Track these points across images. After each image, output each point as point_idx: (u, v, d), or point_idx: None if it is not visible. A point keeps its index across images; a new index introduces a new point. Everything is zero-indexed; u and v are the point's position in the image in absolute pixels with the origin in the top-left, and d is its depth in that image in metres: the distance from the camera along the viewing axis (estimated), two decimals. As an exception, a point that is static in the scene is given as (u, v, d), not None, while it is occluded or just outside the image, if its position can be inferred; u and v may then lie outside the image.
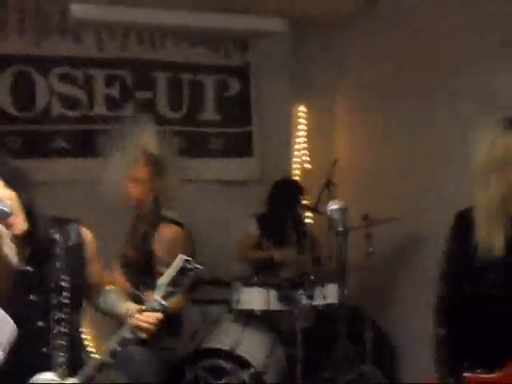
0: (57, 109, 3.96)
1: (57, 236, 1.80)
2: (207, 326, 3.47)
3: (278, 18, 3.82)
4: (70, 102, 3.98)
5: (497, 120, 1.84)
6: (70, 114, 3.99)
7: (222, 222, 4.17)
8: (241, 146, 4.38)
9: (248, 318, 3.35)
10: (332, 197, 3.75)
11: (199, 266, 1.77)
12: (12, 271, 1.67)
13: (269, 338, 3.34)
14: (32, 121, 3.91)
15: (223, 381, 3.09)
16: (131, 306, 1.85)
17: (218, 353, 3.14)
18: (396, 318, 3.74)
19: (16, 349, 1.66)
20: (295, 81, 4.31)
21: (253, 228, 3.84)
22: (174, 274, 1.74)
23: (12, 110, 3.86)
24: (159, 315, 1.76)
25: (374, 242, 3.49)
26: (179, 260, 1.76)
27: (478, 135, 1.84)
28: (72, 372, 1.73)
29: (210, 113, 4.32)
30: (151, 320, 1.75)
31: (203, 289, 3.78)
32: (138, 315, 1.76)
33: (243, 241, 3.85)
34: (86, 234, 1.88)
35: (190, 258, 1.76)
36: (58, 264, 1.76)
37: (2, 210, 1.58)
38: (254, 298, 3.31)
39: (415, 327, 3.24)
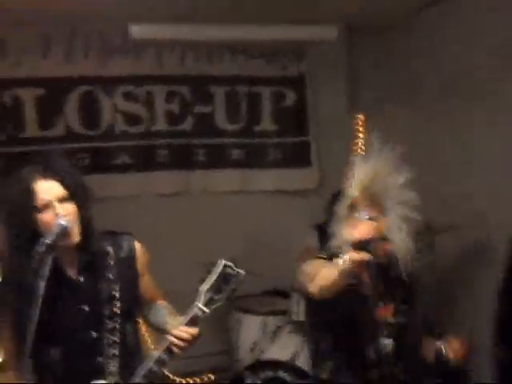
0: (120, 126, 4.12)
1: (109, 248, 1.85)
2: (267, 338, 3.47)
3: (331, 26, 3.80)
4: (133, 119, 4.14)
5: None
6: (133, 130, 4.15)
7: (282, 232, 4.18)
8: (298, 156, 4.39)
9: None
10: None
11: (241, 271, 1.70)
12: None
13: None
14: (98, 138, 4.09)
15: (283, 392, 3.08)
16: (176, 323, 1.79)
17: (277, 364, 3.14)
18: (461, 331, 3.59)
19: (70, 358, 1.74)
20: (353, 89, 4.26)
21: (312, 240, 3.79)
22: (214, 279, 1.69)
23: (79, 129, 4.05)
24: (195, 331, 1.69)
25: (436, 251, 3.38)
26: (219, 265, 1.70)
27: None
28: (127, 379, 1.76)
29: (267, 124, 4.36)
30: (185, 336, 1.69)
31: (263, 300, 3.80)
32: (172, 333, 1.70)
33: (305, 257, 3.81)
34: (138, 246, 1.91)
35: (230, 263, 1.70)
36: (110, 275, 1.81)
37: (63, 226, 1.67)
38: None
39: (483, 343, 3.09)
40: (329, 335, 2.14)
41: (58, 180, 1.74)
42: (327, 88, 4.29)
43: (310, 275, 2.06)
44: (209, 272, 1.75)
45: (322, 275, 1.97)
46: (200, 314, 1.69)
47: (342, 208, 2.08)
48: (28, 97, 3.92)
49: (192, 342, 1.71)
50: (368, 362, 2.05)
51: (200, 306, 1.69)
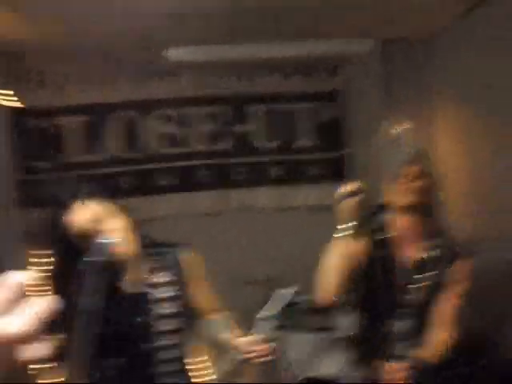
0: (160, 148, 4.19)
1: (162, 261, 1.82)
2: (312, 354, 3.42)
3: (364, 39, 3.79)
4: (171, 141, 4.20)
5: None
6: (172, 151, 4.20)
7: (322, 248, 4.13)
8: (336, 171, 4.36)
9: (352, 344, 3.25)
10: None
11: (308, 300, 1.69)
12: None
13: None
14: (138, 161, 4.16)
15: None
16: (240, 339, 1.78)
17: (323, 382, 3.08)
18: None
19: (124, 368, 1.75)
20: (389, 101, 4.21)
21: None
22: (282, 306, 1.67)
23: (120, 153, 4.14)
24: (269, 346, 1.68)
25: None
26: (290, 295, 1.69)
27: None
28: None
29: (304, 140, 4.36)
30: (264, 352, 1.67)
31: (307, 317, 3.75)
32: (250, 348, 1.68)
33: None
34: (189, 257, 1.86)
35: (299, 291, 1.70)
36: (163, 289, 1.79)
37: (103, 243, 1.63)
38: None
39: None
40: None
41: (87, 202, 1.73)
42: (363, 102, 4.25)
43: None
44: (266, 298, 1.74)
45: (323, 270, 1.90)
46: (267, 340, 1.68)
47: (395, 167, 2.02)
48: (69, 124, 4.03)
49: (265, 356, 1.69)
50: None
51: (266, 331, 1.68)
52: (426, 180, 2.02)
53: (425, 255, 1.97)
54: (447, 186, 3.82)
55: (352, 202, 1.92)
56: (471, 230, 3.32)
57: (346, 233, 1.94)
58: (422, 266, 1.96)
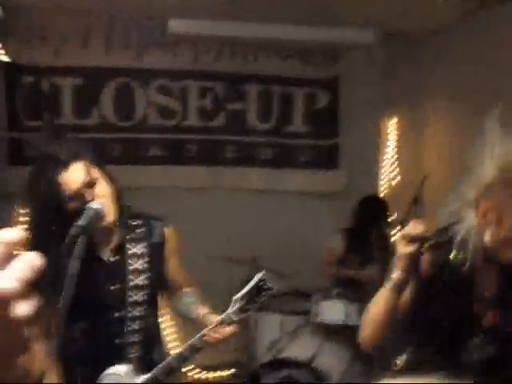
0: (153, 119, 4.18)
1: (142, 233, 1.83)
2: (286, 337, 3.48)
3: (367, 29, 3.78)
4: (166, 113, 4.20)
5: None
6: (166, 123, 4.20)
7: (306, 234, 4.18)
8: (327, 158, 4.39)
9: (327, 331, 3.32)
10: (420, 214, 3.65)
11: (273, 288, 1.71)
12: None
13: (348, 353, 3.28)
14: (130, 129, 4.15)
15: (299, 392, 3.08)
16: (207, 315, 1.83)
17: (295, 364, 3.14)
18: None
19: (91, 336, 1.77)
20: (385, 92, 4.24)
21: (338, 243, 3.78)
22: (248, 290, 1.69)
23: (113, 120, 4.13)
24: (232, 329, 1.72)
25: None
26: (256, 279, 1.72)
27: None
28: (145, 367, 1.76)
29: (298, 125, 4.37)
30: (224, 335, 1.71)
31: (283, 299, 3.81)
32: (212, 328, 1.71)
33: (329, 258, 3.79)
34: (169, 232, 1.88)
35: (265, 279, 1.70)
36: (140, 261, 1.81)
37: (96, 209, 1.65)
38: (333, 312, 3.28)
39: None
40: None
41: (84, 164, 1.71)
42: (360, 91, 4.27)
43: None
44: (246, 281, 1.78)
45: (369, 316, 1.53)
46: (229, 321, 1.71)
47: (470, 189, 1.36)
48: (66, 85, 4.01)
49: (225, 338, 1.74)
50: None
51: (231, 313, 1.71)
52: None
53: None
54: (434, 183, 3.88)
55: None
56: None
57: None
58: None
